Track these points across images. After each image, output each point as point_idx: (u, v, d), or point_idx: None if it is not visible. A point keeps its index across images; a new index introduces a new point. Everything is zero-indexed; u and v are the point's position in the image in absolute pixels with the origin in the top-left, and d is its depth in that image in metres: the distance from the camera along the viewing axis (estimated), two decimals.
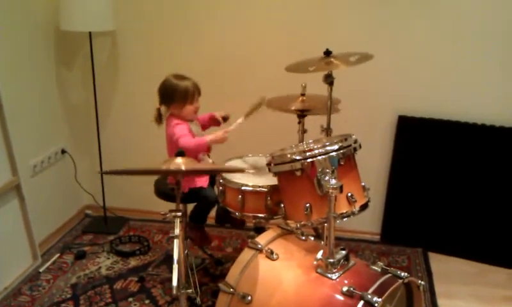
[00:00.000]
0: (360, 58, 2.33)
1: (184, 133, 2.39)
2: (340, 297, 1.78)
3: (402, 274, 1.84)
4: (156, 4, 3.11)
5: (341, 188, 1.84)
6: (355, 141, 2.04)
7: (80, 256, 3.00)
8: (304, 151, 1.99)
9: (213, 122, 2.61)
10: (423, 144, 2.98)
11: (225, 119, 2.58)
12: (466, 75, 2.89)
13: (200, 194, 2.47)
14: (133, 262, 2.97)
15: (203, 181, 2.50)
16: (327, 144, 1.99)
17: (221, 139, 2.40)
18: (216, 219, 2.60)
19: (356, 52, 2.38)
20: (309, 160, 1.95)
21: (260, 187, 2.27)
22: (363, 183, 2.09)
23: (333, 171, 1.92)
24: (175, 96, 2.42)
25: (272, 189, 2.24)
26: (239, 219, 2.62)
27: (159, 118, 2.49)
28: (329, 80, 2.39)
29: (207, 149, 2.48)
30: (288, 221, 2.15)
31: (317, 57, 2.38)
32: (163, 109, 2.48)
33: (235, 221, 2.62)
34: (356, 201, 1.99)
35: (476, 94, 2.90)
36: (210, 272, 2.86)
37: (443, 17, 2.84)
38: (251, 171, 2.47)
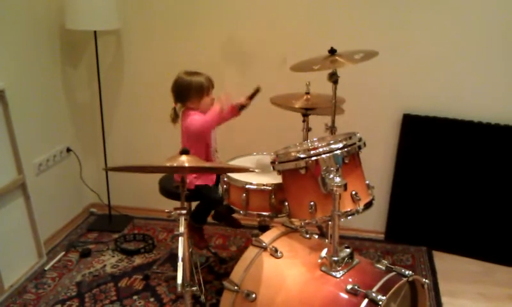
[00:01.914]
0: (365, 56, 2.33)
1: (201, 117, 2.42)
2: (345, 295, 1.78)
3: (407, 272, 1.85)
4: (161, 2, 3.11)
5: (345, 187, 1.84)
6: (360, 139, 2.05)
7: (85, 254, 3.01)
8: (309, 150, 1.99)
9: (232, 112, 2.54)
10: (427, 142, 2.98)
11: (243, 106, 2.52)
12: (471, 74, 2.88)
13: (205, 192, 2.47)
14: (138, 260, 2.98)
15: (209, 179, 2.50)
16: (331, 142, 2.00)
17: (225, 99, 2.38)
18: (213, 216, 2.60)
19: (360, 50, 2.37)
20: (313, 158, 1.95)
21: (264, 185, 2.27)
22: (367, 182, 2.09)
23: (337, 169, 1.92)
24: (190, 92, 2.44)
25: (277, 187, 2.25)
26: (237, 221, 2.63)
27: (175, 117, 2.51)
28: (333, 78, 2.39)
29: (221, 116, 2.40)
30: (293, 219, 2.14)
31: (322, 56, 2.38)
32: (178, 106, 2.50)
33: (232, 222, 2.62)
34: (360, 199, 1.99)
35: (481, 93, 2.89)
36: (215, 270, 2.87)
37: (448, 16, 2.83)
38: (256, 170, 2.48)
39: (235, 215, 2.55)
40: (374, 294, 1.70)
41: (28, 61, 2.88)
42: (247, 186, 2.29)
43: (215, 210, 2.57)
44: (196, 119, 2.44)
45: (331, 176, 1.90)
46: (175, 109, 2.50)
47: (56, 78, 3.14)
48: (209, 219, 2.61)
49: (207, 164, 2.36)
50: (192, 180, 2.46)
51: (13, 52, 2.74)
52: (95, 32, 3.06)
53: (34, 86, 2.93)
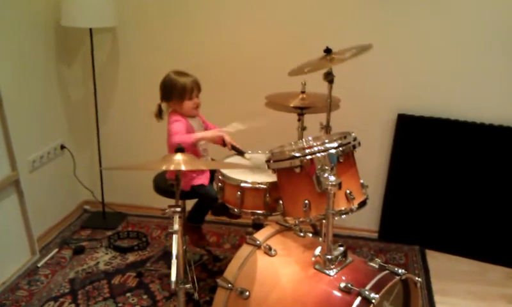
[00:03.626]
0: (358, 51, 2.34)
1: (177, 130, 2.40)
2: (338, 293, 1.79)
3: (400, 270, 1.85)
4: (157, 0, 3.11)
5: (340, 185, 1.84)
6: (354, 139, 2.05)
7: (78, 251, 3.01)
8: (304, 149, 1.99)
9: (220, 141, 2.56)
10: (422, 142, 2.99)
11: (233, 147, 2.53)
12: (466, 74, 2.89)
13: (201, 192, 2.47)
14: (131, 257, 2.97)
15: (203, 179, 2.50)
16: (326, 141, 2.00)
17: (210, 138, 2.43)
18: (212, 211, 2.60)
19: (353, 46, 2.38)
20: (308, 157, 1.96)
21: (259, 183, 2.28)
22: (361, 181, 2.10)
23: (332, 168, 1.93)
24: (173, 92, 2.44)
25: (271, 186, 2.25)
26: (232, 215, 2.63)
27: (159, 114, 2.52)
28: (329, 78, 2.40)
29: (194, 146, 2.42)
30: (287, 218, 2.15)
31: (318, 57, 2.39)
32: (164, 105, 2.50)
33: (232, 214, 2.62)
34: (354, 198, 2.00)
35: (476, 93, 2.91)
36: (208, 268, 2.87)
37: (444, 15, 2.84)
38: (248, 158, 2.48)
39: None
40: (367, 292, 1.71)
41: (23, 58, 2.86)
42: (242, 184, 2.29)
43: (213, 206, 2.57)
44: (174, 130, 2.39)
45: (326, 175, 1.91)
46: (159, 105, 2.50)
47: (50, 75, 3.13)
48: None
49: (206, 164, 2.36)
50: (188, 181, 2.45)
51: (7, 48, 2.73)
52: (90, 29, 3.05)
53: (29, 82, 2.92)
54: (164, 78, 2.48)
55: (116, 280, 2.75)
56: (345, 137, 2.02)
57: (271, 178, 2.22)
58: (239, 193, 2.29)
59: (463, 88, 2.91)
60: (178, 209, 1.77)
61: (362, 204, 2.05)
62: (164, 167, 1.77)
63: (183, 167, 1.71)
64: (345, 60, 2.32)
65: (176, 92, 2.43)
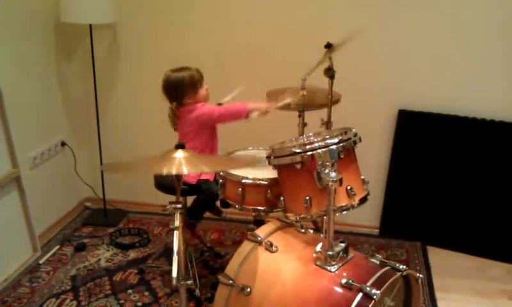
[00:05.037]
0: (351, 35, 2.33)
1: (214, 107, 2.43)
2: (339, 289, 1.78)
3: (401, 266, 1.85)
4: None
5: (341, 181, 1.84)
6: (355, 135, 2.05)
7: (79, 248, 3.01)
8: (304, 144, 1.99)
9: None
10: (423, 138, 2.99)
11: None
12: (467, 70, 2.89)
13: (204, 187, 2.47)
14: (132, 254, 2.98)
15: (209, 174, 2.49)
16: (327, 137, 2.00)
17: (264, 110, 2.40)
18: (213, 211, 2.61)
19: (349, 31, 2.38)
20: (309, 153, 1.95)
21: (260, 179, 2.27)
22: (362, 177, 2.10)
23: (332, 164, 1.92)
24: (185, 88, 2.44)
25: (272, 182, 2.25)
26: (216, 209, 2.63)
27: (174, 117, 2.49)
28: (330, 73, 2.40)
29: (246, 116, 2.42)
30: (288, 214, 2.15)
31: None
32: (174, 106, 2.49)
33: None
34: (355, 194, 1.99)
35: (476, 89, 2.90)
36: (210, 265, 2.87)
37: (445, 11, 2.83)
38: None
39: (230, 210, 2.54)
40: (368, 288, 1.71)
41: (23, 54, 2.86)
42: (243, 180, 2.29)
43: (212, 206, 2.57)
44: (212, 108, 2.44)
45: (327, 171, 1.90)
46: (172, 109, 2.48)
47: (50, 72, 3.13)
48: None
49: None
50: (196, 174, 2.45)
51: (7, 45, 2.73)
52: (90, 25, 3.04)
53: (29, 79, 2.92)
54: (166, 80, 2.46)
55: (117, 277, 2.76)
56: (345, 133, 2.02)
57: (272, 174, 2.22)
58: (240, 189, 2.29)
59: (464, 84, 2.91)
60: (179, 205, 1.77)
61: (363, 200, 2.05)
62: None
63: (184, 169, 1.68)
64: (342, 46, 2.31)
65: (188, 86, 2.43)
